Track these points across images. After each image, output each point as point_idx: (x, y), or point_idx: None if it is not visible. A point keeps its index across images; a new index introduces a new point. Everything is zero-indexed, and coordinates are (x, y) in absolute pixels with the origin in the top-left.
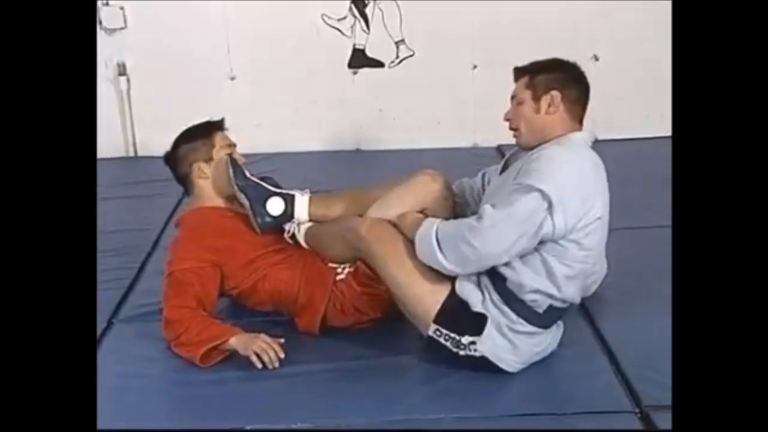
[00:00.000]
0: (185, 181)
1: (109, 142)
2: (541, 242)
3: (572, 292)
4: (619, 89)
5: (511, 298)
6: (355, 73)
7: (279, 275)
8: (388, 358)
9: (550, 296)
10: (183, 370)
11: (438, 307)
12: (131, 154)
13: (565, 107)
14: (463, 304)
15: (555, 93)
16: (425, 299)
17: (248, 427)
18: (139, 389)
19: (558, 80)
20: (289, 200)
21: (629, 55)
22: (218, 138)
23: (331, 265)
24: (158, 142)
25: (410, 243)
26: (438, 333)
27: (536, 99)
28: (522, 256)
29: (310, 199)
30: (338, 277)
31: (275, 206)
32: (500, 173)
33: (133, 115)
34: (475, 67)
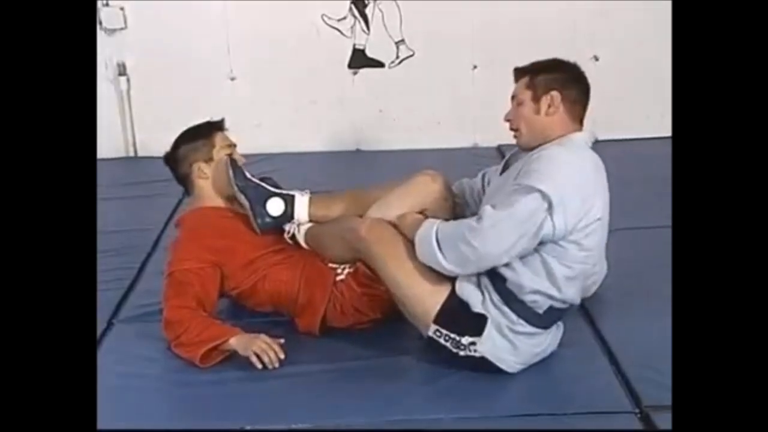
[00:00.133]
0: (185, 182)
1: (109, 143)
2: (541, 243)
3: (572, 293)
4: (619, 89)
5: (511, 299)
6: (355, 73)
7: (279, 276)
8: (388, 358)
9: (550, 297)
10: (183, 371)
11: (438, 307)
12: (131, 154)
13: (565, 108)
14: (463, 305)
15: (555, 93)
16: (425, 300)
17: (248, 428)
18: (139, 389)
19: (558, 80)
20: (289, 201)
21: (629, 55)
22: (218, 138)
23: (331, 265)
24: (158, 143)
25: (410, 243)
26: (438, 333)
27: (536, 99)
28: (522, 257)
29: (310, 199)
30: (338, 278)
31: (275, 207)
32: (500, 174)
33: (133, 116)
34: (475, 67)
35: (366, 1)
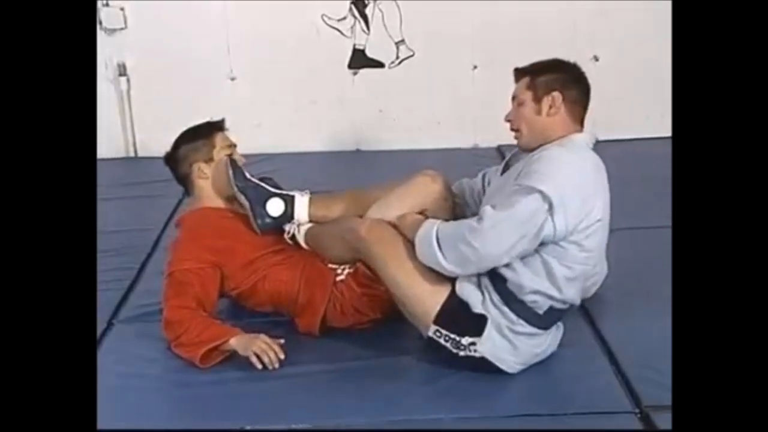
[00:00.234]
0: (185, 182)
1: (109, 143)
2: (542, 244)
3: (573, 294)
4: (619, 89)
5: (511, 299)
6: (355, 73)
7: (279, 276)
8: (388, 358)
9: (551, 297)
10: (183, 371)
11: (438, 307)
12: (131, 154)
13: (566, 108)
14: (464, 305)
15: (556, 94)
16: (425, 300)
17: (248, 428)
18: (139, 389)
19: (559, 81)
20: (289, 201)
21: (629, 55)
22: (218, 138)
23: (330, 266)
24: (158, 143)
25: (410, 244)
26: (438, 334)
27: (537, 100)
28: (522, 258)
29: (310, 199)
30: (338, 278)
31: (275, 207)
32: (501, 174)
33: (133, 116)
34: (475, 67)
35: (366, 1)
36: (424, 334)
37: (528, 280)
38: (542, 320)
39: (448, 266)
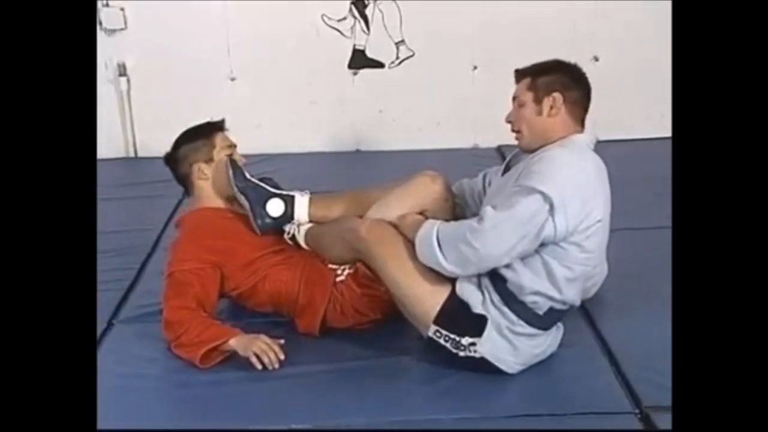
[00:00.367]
0: (185, 182)
1: (109, 143)
2: (542, 244)
3: (573, 295)
4: (620, 90)
5: (511, 300)
6: (355, 73)
7: (279, 276)
8: (387, 358)
9: (551, 298)
10: (183, 371)
11: (438, 308)
12: (131, 154)
13: (566, 109)
14: (464, 305)
15: (557, 95)
16: (425, 300)
17: (248, 428)
18: (139, 390)
19: (559, 82)
20: (289, 201)
21: (629, 55)
22: (219, 139)
23: (330, 266)
24: (158, 143)
25: (410, 244)
26: (438, 334)
27: (538, 101)
28: (523, 258)
29: (310, 200)
30: (338, 279)
31: (275, 207)
32: (502, 175)
33: (133, 116)
34: (475, 67)
35: (366, 2)
36: (424, 335)
37: (528, 281)
38: (542, 321)
39: (448, 266)
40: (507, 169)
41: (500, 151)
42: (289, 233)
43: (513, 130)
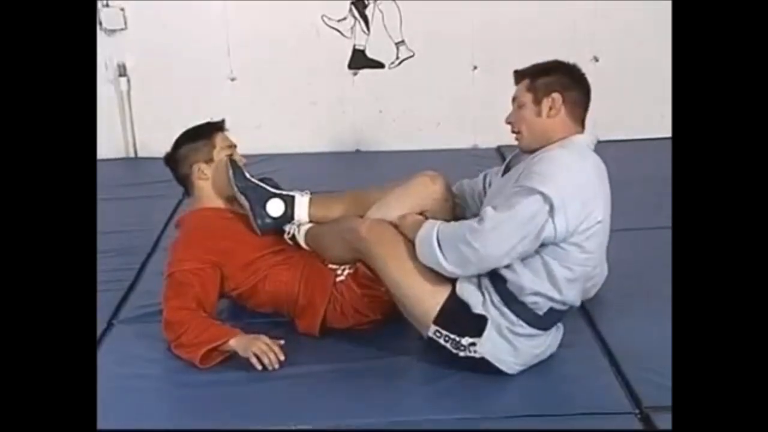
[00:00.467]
0: (185, 182)
1: (109, 143)
2: (542, 245)
3: (573, 295)
4: (619, 90)
5: (511, 300)
6: (355, 74)
7: (279, 276)
8: (387, 358)
9: (551, 299)
10: (183, 371)
11: (438, 308)
12: (131, 154)
13: (566, 110)
14: (464, 306)
15: (556, 96)
16: (425, 300)
17: (248, 428)
18: (139, 390)
19: (559, 83)
20: (289, 201)
21: (629, 55)
22: (219, 139)
23: (330, 266)
24: (158, 143)
25: (411, 244)
26: (438, 334)
27: (537, 102)
28: (523, 259)
29: (310, 200)
30: (338, 279)
31: (275, 207)
32: (502, 175)
33: (133, 116)
34: (475, 67)
35: (366, 2)
36: (424, 335)
37: (528, 282)
38: (542, 321)
39: (448, 267)
40: (507, 170)
41: (500, 151)
42: (289, 233)
43: (513, 131)
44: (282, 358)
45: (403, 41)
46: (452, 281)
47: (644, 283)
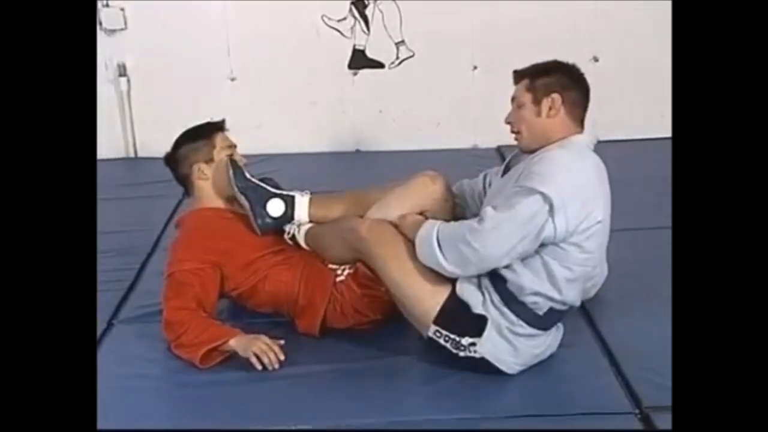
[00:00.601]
0: (185, 182)
1: (109, 143)
2: (542, 245)
3: (573, 295)
4: (620, 90)
5: (511, 300)
6: (355, 74)
7: (279, 276)
8: (387, 358)
9: (551, 299)
10: (183, 371)
11: (438, 308)
12: (131, 154)
13: (565, 110)
14: (464, 306)
15: (555, 96)
16: (425, 300)
17: (248, 428)
18: (139, 390)
19: (558, 83)
20: (289, 201)
21: (629, 55)
22: (219, 139)
23: (330, 266)
24: (158, 143)
25: (411, 244)
26: (438, 334)
27: (537, 102)
28: (523, 259)
29: (310, 200)
30: (338, 279)
31: (275, 207)
32: (501, 176)
33: (133, 116)
34: (475, 67)
35: (366, 2)
36: (424, 335)
37: (528, 282)
38: (542, 321)
39: (448, 267)
40: (506, 170)
41: (500, 151)
42: (289, 233)
43: (512, 131)
44: (282, 358)
45: (403, 41)
46: (452, 281)
47: (644, 283)
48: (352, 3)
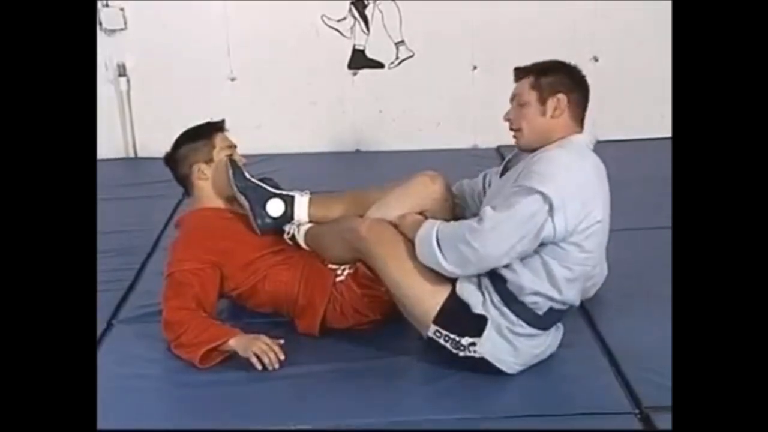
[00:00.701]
0: (185, 182)
1: (109, 143)
2: (542, 245)
3: (573, 295)
4: (619, 90)
5: (511, 300)
6: (354, 74)
7: (279, 276)
8: (387, 358)
9: (551, 299)
10: (183, 371)
11: (438, 307)
12: (131, 154)
13: (569, 111)
14: (464, 306)
15: (561, 96)
16: (425, 300)
17: (248, 428)
18: (139, 389)
19: (564, 83)
20: (289, 201)
21: (629, 55)
22: (218, 139)
23: (330, 266)
24: (158, 143)
25: (411, 244)
26: (438, 334)
27: (542, 101)
28: (522, 259)
29: (310, 200)
30: (338, 279)
31: (275, 207)
32: (500, 176)
33: (132, 116)
34: (474, 67)
35: (366, 2)
36: (423, 335)
37: (528, 282)
38: (542, 321)
39: (448, 267)
40: (505, 171)
41: (500, 151)
42: (288, 233)
43: (512, 129)
44: (282, 357)
45: (402, 41)
46: (452, 281)
47: (644, 283)
48: (352, 3)
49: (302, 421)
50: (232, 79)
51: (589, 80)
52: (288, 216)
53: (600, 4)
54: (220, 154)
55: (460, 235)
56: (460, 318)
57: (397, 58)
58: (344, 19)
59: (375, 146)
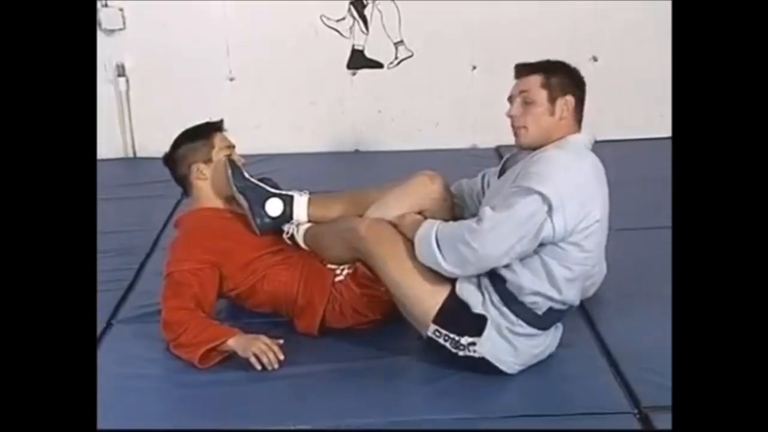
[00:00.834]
0: (184, 182)
1: (108, 143)
2: (541, 245)
3: (572, 295)
4: (619, 89)
5: (511, 300)
6: (354, 74)
7: (278, 276)
8: (387, 358)
9: (550, 298)
10: (183, 371)
11: (437, 307)
12: (130, 155)
13: (575, 112)
14: (463, 305)
15: (570, 98)
16: (425, 300)
17: (248, 428)
18: (139, 389)
19: (571, 84)
20: (288, 201)
21: (629, 55)
22: (217, 139)
23: (329, 266)
24: (157, 143)
25: (410, 244)
26: (437, 333)
27: (552, 101)
28: (522, 259)
29: (309, 200)
30: (337, 279)
31: (274, 207)
32: (498, 176)
33: (132, 116)
34: (474, 67)
35: (365, 2)
36: (423, 334)
37: (528, 281)
38: (541, 321)
39: (447, 267)
40: (503, 171)
41: (499, 151)
42: (287, 233)
43: (514, 125)
44: (281, 357)
45: (402, 41)
46: (452, 281)
47: (644, 283)
48: (351, 3)
49: (302, 421)
50: (232, 80)
51: (589, 80)
52: (287, 216)
53: (600, 4)
54: (219, 154)
55: (460, 235)
56: (459, 318)
57: (396, 58)
58: (343, 19)
59: (374, 146)
